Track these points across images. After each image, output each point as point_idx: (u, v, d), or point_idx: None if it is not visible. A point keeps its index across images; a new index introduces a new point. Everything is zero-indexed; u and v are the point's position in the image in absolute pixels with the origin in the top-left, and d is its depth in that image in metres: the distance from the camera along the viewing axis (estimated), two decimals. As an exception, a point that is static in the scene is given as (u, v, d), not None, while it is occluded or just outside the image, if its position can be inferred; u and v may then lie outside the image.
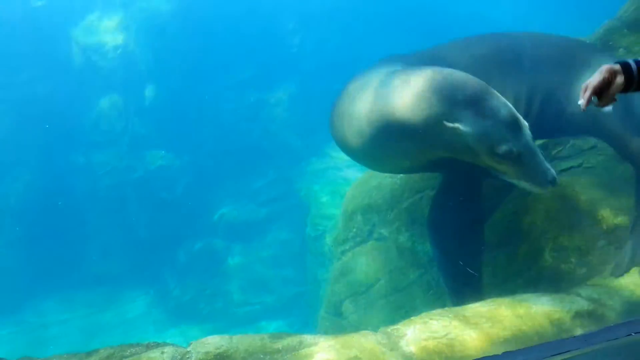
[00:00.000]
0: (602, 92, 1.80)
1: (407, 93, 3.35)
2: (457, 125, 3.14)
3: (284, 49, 10.41)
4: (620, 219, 3.87)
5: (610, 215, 3.94)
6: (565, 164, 4.52)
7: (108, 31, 9.59)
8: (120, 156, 9.28)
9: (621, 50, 4.65)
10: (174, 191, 9.37)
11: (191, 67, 9.38)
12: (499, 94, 3.22)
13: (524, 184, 3.18)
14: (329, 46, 10.24)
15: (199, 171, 9.35)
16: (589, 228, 4.00)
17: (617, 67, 1.80)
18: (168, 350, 3.00)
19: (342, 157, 10.15)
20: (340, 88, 10.61)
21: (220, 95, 9.69)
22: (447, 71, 3.32)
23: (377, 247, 5.54)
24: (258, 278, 8.99)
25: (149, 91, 9.39)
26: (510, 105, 3.19)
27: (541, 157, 3.14)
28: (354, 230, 5.83)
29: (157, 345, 3.07)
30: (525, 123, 3.17)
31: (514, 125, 3.10)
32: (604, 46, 4.78)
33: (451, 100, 3.18)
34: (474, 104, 3.14)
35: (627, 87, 1.80)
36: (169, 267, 9.21)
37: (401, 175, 5.65)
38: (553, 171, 3.05)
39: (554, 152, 4.62)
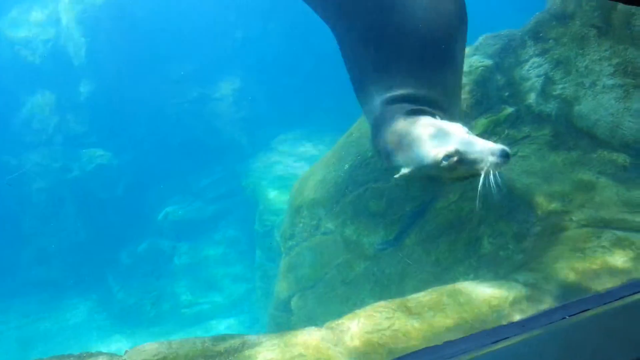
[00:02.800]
0: None
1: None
2: (404, 171, 3.30)
3: (226, 43, 10.19)
4: (554, 205, 3.99)
5: (544, 202, 4.05)
6: (502, 153, 4.62)
7: (38, 24, 9.08)
8: (54, 156, 8.83)
9: (551, 41, 4.80)
10: (113, 191, 9.01)
11: (129, 61, 9.00)
12: (428, 117, 3.30)
13: (485, 176, 3.09)
14: (272, 40, 10.11)
15: (140, 170, 9.02)
16: (525, 214, 4.11)
17: None
18: (102, 359, 2.85)
19: (289, 151, 10.12)
20: (285, 82, 10.45)
21: (160, 90, 9.36)
22: (384, 121, 3.46)
23: (323, 241, 5.50)
24: (206, 277, 8.80)
25: (83, 87, 8.96)
26: (438, 120, 3.29)
27: (482, 140, 3.15)
28: (301, 225, 5.77)
29: (90, 355, 2.91)
30: (458, 125, 3.25)
31: (438, 132, 3.22)
32: (535, 37, 4.93)
33: (387, 155, 3.42)
34: (401, 142, 3.32)
35: None
36: (112, 270, 8.87)
37: (346, 168, 5.65)
38: (500, 145, 3.06)
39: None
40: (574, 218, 3.88)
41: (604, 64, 4.47)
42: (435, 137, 3.19)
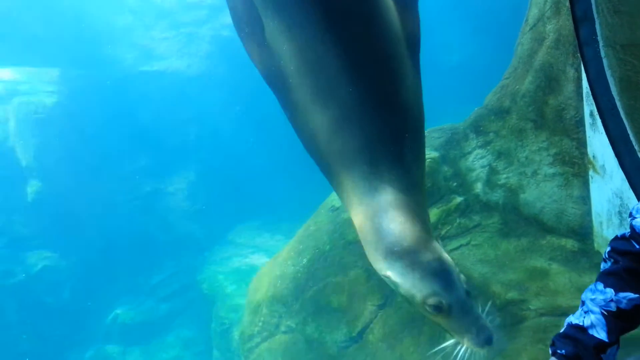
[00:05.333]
0: None
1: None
2: (389, 274, 3.14)
3: (180, 137, 10.28)
4: (511, 295, 4.04)
5: (502, 291, 4.10)
6: (455, 243, 4.72)
7: (-16, 125, 8.91)
8: (-4, 260, 8.35)
9: (491, 134, 5.10)
10: (60, 295, 8.51)
11: (79, 159, 8.89)
12: (437, 246, 3.22)
13: (460, 339, 2.97)
14: (226, 134, 10.29)
15: (89, 271, 8.62)
16: (484, 305, 4.12)
17: None
18: None
19: (246, 242, 9.97)
20: (240, 174, 10.51)
21: (112, 187, 9.21)
22: (390, 217, 3.26)
23: (284, 341, 5.30)
24: (160, 383, 8.22)
25: (31, 187, 8.70)
26: (446, 259, 3.18)
27: (477, 314, 3.00)
28: (260, 324, 5.57)
29: None
30: (461, 277, 3.14)
31: (445, 278, 3.07)
32: (476, 131, 5.22)
33: (387, 250, 3.19)
34: (406, 255, 3.14)
35: None
36: (56, 383, 8.17)
37: (304, 262, 5.58)
38: (490, 330, 2.91)
39: (443, 231, 4.82)
40: (531, 307, 3.92)
41: (543, 154, 4.75)
42: (437, 277, 3.03)
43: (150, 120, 9.89)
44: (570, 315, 1.60)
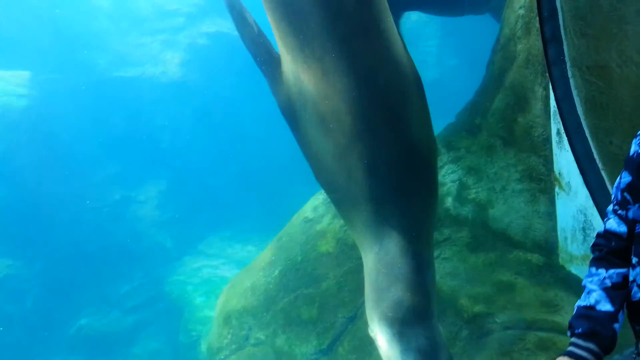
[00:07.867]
0: None
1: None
2: (377, 337, 3.13)
3: (153, 145, 10.16)
4: (478, 308, 4.10)
5: (469, 305, 4.15)
6: (427, 256, 4.75)
7: (-53, 128, 8.63)
8: (-46, 269, 8.05)
9: (462, 150, 5.20)
10: (22, 304, 8.24)
11: (47, 164, 8.68)
12: (434, 324, 3.13)
13: None
14: (199, 143, 10.22)
15: (53, 279, 8.38)
16: (453, 317, 4.17)
17: None
18: None
19: (217, 253, 9.87)
20: (212, 183, 10.43)
21: (81, 193, 9.01)
22: (393, 278, 3.20)
23: (254, 353, 5.24)
24: (124, 398, 8.01)
25: (-6, 192, 8.45)
26: (438, 341, 3.09)
27: None
28: (229, 336, 5.50)
29: None
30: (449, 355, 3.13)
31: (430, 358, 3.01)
32: (447, 146, 5.31)
33: (381, 313, 3.16)
34: (398, 324, 3.07)
35: None
36: (14, 397, 7.87)
37: (276, 274, 5.56)
38: None
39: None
40: (498, 320, 3.98)
41: (511, 171, 4.85)
42: (421, 357, 2.96)
43: (123, 126, 9.75)
44: (578, 300, 1.84)
